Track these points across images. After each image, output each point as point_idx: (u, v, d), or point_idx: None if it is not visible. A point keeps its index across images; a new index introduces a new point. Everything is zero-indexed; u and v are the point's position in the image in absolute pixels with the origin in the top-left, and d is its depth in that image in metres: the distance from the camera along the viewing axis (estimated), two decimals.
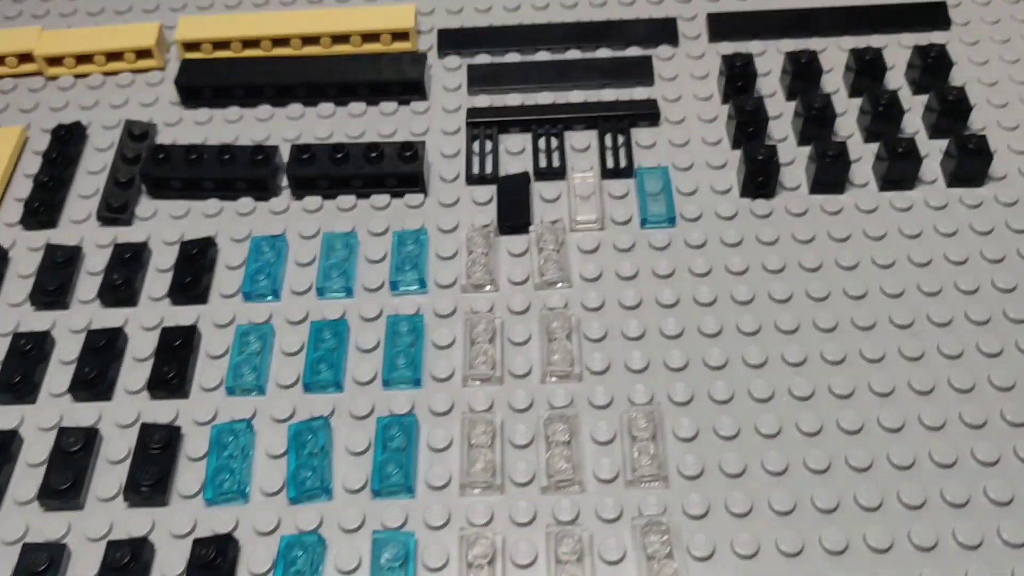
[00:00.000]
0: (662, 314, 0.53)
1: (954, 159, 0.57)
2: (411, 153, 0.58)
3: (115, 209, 0.59)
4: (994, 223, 0.56)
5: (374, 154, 0.58)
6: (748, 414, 0.49)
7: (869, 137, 0.60)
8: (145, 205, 0.60)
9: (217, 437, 0.49)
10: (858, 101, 0.61)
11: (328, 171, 0.58)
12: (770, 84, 0.63)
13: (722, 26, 0.66)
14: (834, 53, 0.65)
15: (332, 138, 0.62)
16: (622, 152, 0.60)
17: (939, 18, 0.65)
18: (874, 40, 0.65)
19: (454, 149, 0.61)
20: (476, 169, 0.60)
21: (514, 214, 0.57)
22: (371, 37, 0.66)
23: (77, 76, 0.67)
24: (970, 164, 0.57)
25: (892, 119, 0.59)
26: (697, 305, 0.53)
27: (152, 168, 0.59)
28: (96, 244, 0.58)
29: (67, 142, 0.62)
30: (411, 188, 0.59)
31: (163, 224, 0.59)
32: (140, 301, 0.56)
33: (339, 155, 0.58)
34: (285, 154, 0.60)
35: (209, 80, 0.64)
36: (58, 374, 0.53)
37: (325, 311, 0.54)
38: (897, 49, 0.65)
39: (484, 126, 0.61)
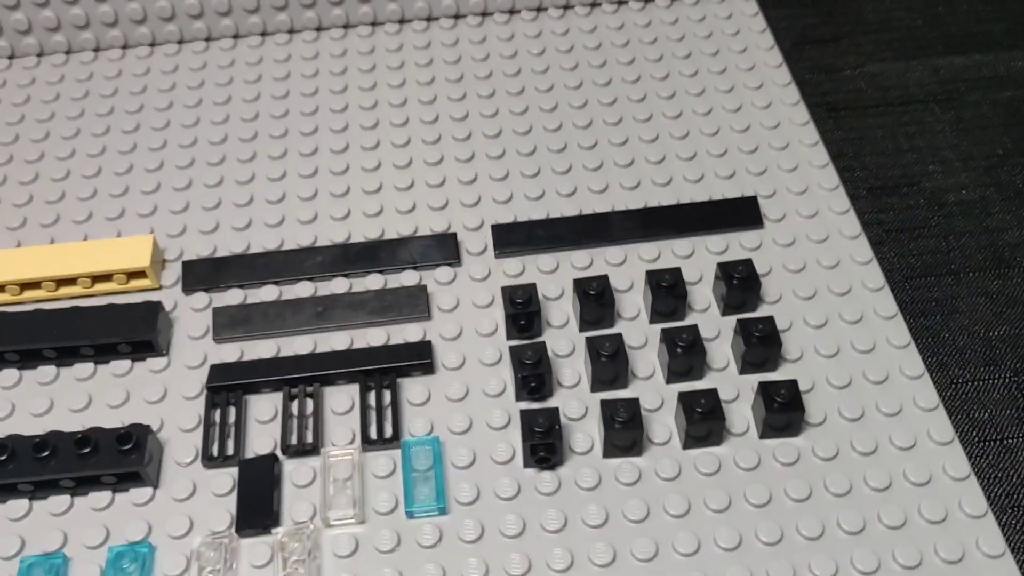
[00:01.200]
0: None
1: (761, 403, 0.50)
2: (130, 446, 0.49)
3: None
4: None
5: (86, 449, 0.49)
6: None
7: (672, 378, 0.52)
8: None
9: None
10: (656, 327, 0.54)
11: (32, 472, 0.49)
12: (560, 312, 0.55)
13: (508, 238, 0.58)
14: (632, 265, 0.57)
15: (52, 410, 0.53)
16: (388, 415, 0.51)
17: (750, 216, 0.59)
18: (678, 245, 0.58)
19: (194, 421, 0.52)
20: (215, 449, 0.50)
21: (253, 512, 0.48)
22: (102, 278, 0.57)
23: None
24: (780, 414, 0.49)
25: (695, 357, 0.52)
26: None
27: None
28: None
29: None
30: (133, 483, 0.49)
31: None
32: None
33: (43, 454, 0.49)
34: None
35: None
36: None
37: None
38: (704, 255, 0.58)
39: (227, 390, 0.52)
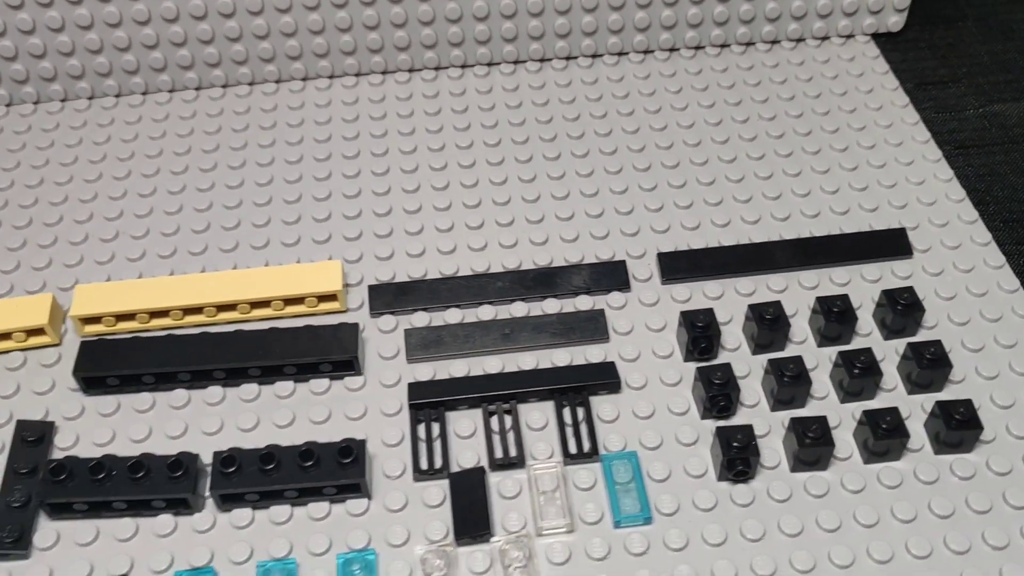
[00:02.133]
0: None
1: (939, 420, 0.53)
2: (351, 459, 0.52)
3: (8, 543, 0.51)
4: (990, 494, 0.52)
5: (309, 462, 0.51)
6: None
7: (847, 397, 0.56)
8: (45, 530, 0.52)
9: None
10: (828, 351, 0.58)
11: (257, 485, 0.51)
12: (732, 335, 0.59)
13: (675, 266, 0.61)
14: (794, 293, 0.61)
15: (259, 426, 0.56)
16: (584, 430, 0.54)
17: (900, 246, 0.62)
18: (836, 273, 0.61)
19: (397, 436, 0.55)
20: (424, 463, 0.54)
21: (472, 523, 0.51)
22: (294, 301, 0.60)
23: None
24: (957, 431, 0.53)
25: (871, 378, 0.55)
26: None
27: (51, 491, 0.51)
28: None
29: None
30: (353, 495, 0.52)
31: (67, 554, 0.51)
32: None
33: (268, 467, 0.51)
34: (206, 454, 0.53)
35: (113, 366, 0.56)
36: None
37: None
38: (862, 284, 0.61)
39: (429, 407, 0.55)
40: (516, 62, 0.76)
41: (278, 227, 0.65)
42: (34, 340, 0.59)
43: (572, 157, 0.69)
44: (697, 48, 0.76)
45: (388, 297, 0.61)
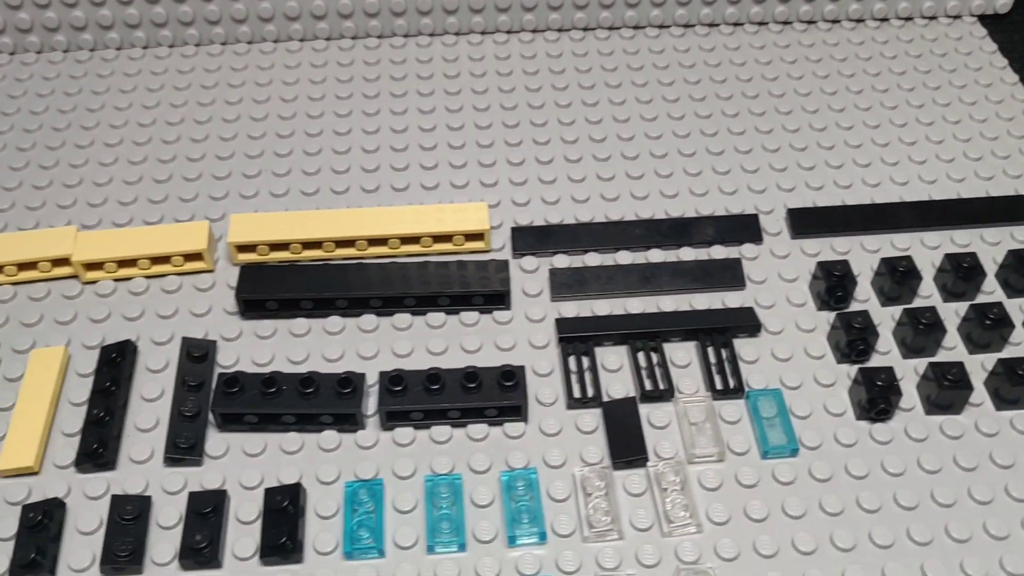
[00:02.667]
0: (803, 564, 0.50)
1: None
2: (513, 383, 0.54)
3: (184, 449, 0.53)
4: None
5: (473, 384, 0.54)
6: None
7: (975, 349, 0.58)
8: (215, 440, 0.54)
9: None
10: (954, 306, 0.60)
11: (422, 403, 0.54)
12: (863, 289, 0.61)
13: (804, 221, 0.64)
14: (918, 252, 0.64)
15: (413, 353, 0.58)
16: (728, 368, 0.57)
17: (1021, 211, 0.65)
18: (958, 236, 0.64)
19: (547, 367, 0.57)
20: (576, 392, 0.56)
21: (629, 447, 0.53)
22: (442, 238, 0.62)
23: (118, 280, 0.61)
24: None
25: (999, 331, 0.58)
26: (837, 550, 0.50)
27: (224, 403, 0.54)
28: (165, 490, 0.52)
29: (116, 364, 0.57)
30: (512, 418, 0.55)
31: (238, 463, 0.54)
32: (225, 562, 0.50)
33: (434, 387, 0.54)
34: (370, 376, 0.56)
35: (272, 290, 0.59)
36: None
37: (439, 569, 0.49)
38: (981, 245, 0.64)
39: (578, 341, 0.58)
40: (636, 27, 0.79)
41: (416, 171, 0.68)
42: (190, 265, 0.62)
43: (696, 118, 0.72)
44: (809, 23, 0.79)
45: (530, 239, 0.63)
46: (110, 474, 0.53)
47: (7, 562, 0.49)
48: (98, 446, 0.53)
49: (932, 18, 0.79)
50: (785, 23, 0.79)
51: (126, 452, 0.54)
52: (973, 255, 0.60)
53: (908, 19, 0.79)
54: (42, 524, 0.50)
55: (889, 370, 0.55)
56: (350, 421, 0.54)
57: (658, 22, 0.79)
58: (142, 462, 0.54)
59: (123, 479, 0.53)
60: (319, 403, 0.54)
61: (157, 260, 0.61)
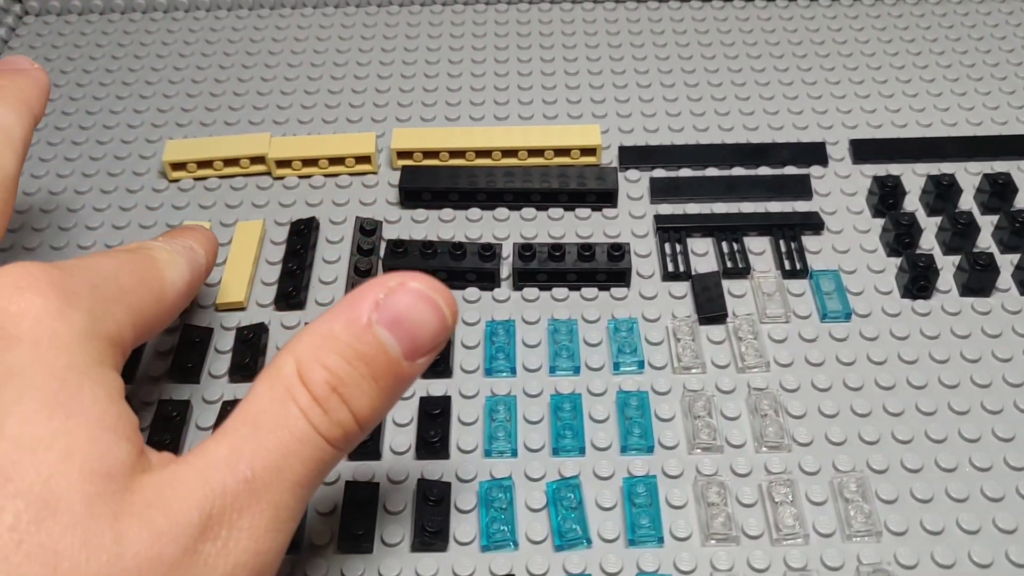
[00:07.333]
0: (851, 396, 0.62)
1: None
2: (620, 253, 0.67)
3: None
4: None
5: (588, 252, 0.67)
6: (940, 481, 0.58)
7: (1005, 249, 0.70)
8: None
9: (485, 493, 0.57)
10: (989, 218, 0.72)
11: (547, 267, 0.67)
12: (911, 202, 0.73)
13: (864, 150, 0.77)
14: (961, 176, 0.75)
15: (536, 239, 0.72)
16: (795, 256, 0.69)
17: None
18: (997, 165, 0.76)
19: (646, 250, 0.71)
20: (670, 267, 0.69)
21: (712, 307, 0.66)
22: (562, 152, 0.76)
23: (301, 177, 0.76)
24: None
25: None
26: (879, 388, 0.63)
27: (391, 260, 0.68)
28: None
29: (304, 234, 0.71)
30: (618, 283, 0.68)
31: None
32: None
33: (557, 253, 0.67)
34: (503, 251, 0.70)
35: (427, 184, 0.73)
36: None
37: (559, 386, 0.63)
38: (1017, 174, 0.75)
39: (672, 231, 0.71)
40: None
41: (539, 105, 0.82)
42: (359, 167, 0.77)
43: (771, 58, 0.86)
44: None
45: (634, 156, 0.77)
46: (301, 312, 0.68)
47: (228, 365, 0.64)
48: (292, 289, 0.68)
49: None
50: None
51: (312, 297, 0.69)
52: (1007, 174, 0.72)
53: None
54: (251, 341, 0.65)
55: (929, 255, 0.67)
56: (490, 278, 0.68)
57: None
58: (324, 304, 0.68)
59: (310, 318, 0.67)
60: (465, 263, 0.68)
61: (333, 161, 0.76)
